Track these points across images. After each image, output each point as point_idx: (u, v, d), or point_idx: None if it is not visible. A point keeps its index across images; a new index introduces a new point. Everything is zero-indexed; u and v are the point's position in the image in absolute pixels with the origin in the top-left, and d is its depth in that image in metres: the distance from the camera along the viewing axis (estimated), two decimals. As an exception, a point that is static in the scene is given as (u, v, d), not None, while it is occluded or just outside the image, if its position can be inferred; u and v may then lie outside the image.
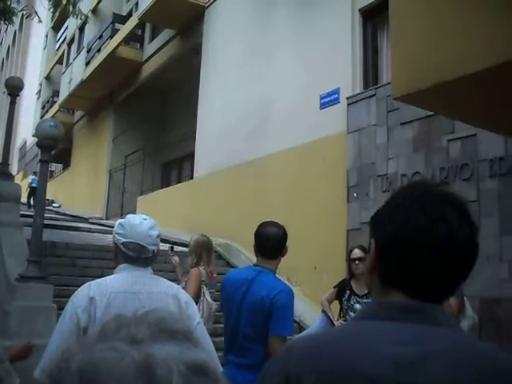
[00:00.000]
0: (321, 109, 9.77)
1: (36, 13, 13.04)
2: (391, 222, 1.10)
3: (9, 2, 14.64)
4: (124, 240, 2.59)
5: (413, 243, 1.06)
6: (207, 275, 5.22)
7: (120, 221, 2.74)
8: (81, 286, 2.55)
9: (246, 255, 10.29)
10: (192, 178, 14.57)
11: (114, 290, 2.48)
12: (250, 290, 3.31)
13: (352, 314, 5.19)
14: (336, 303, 5.53)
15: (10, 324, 6.06)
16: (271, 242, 3.42)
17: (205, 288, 5.13)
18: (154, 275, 2.68)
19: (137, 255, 2.57)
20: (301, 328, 8.15)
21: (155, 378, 0.60)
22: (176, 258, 5.64)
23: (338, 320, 5.37)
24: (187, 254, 5.54)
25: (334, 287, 5.64)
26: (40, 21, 13.88)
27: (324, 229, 9.05)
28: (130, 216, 2.75)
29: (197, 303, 4.78)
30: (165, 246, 10.86)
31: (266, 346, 3.17)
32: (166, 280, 2.73)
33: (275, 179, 10.55)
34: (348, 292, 5.33)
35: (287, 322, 3.26)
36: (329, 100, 9.65)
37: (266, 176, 10.82)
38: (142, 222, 2.64)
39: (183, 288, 4.99)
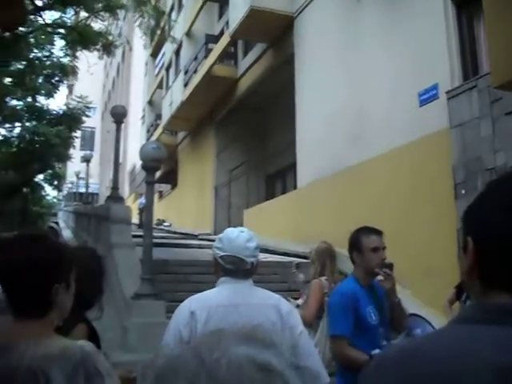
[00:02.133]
0: (420, 106, 9.49)
1: (128, 43, 13.80)
2: (494, 219, 1.01)
3: (111, 37, 15.56)
4: (222, 254, 2.63)
5: None
6: (330, 286, 4.76)
7: (219, 235, 2.79)
8: (189, 301, 2.62)
9: (353, 262, 10.15)
10: (296, 187, 14.58)
11: (213, 303, 2.52)
12: None
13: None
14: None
15: (129, 339, 6.34)
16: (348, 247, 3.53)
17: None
18: (255, 286, 2.69)
19: (235, 268, 2.60)
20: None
21: (204, 365, 0.70)
22: (301, 276, 5.39)
23: None
24: (303, 264, 5.28)
25: (455, 287, 5.41)
26: (130, 49, 14.69)
27: (433, 229, 8.75)
28: (228, 230, 2.79)
29: (321, 318, 4.66)
30: (272, 257, 10.93)
31: None
32: (266, 291, 2.73)
33: (379, 182, 10.34)
34: (465, 293, 5.10)
35: (334, 320, 3.34)
36: (428, 96, 9.36)
37: (370, 179, 10.63)
38: (239, 235, 2.67)
39: (304, 302, 4.92)
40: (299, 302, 5.04)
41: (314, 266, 5.03)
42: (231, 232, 2.72)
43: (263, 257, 10.57)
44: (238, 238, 2.65)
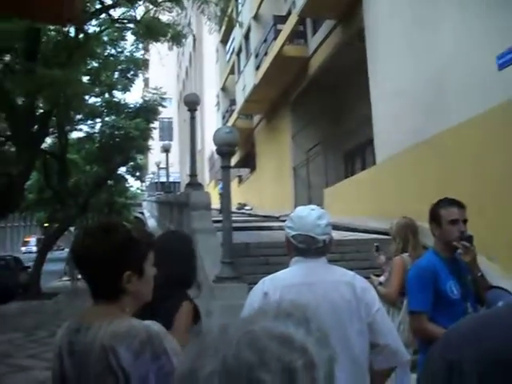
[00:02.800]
0: (499, 70, 9.03)
1: (192, 32, 13.96)
2: None
3: (179, 27, 15.79)
4: (293, 233, 2.59)
5: None
6: (413, 262, 4.42)
7: (290, 214, 2.75)
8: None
9: (437, 236, 9.83)
10: (375, 163, 14.29)
11: (286, 283, 2.50)
12: None
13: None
14: None
15: (212, 323, 6.45)
16: None
17: None
18: (328, 264, 2.64)
19: (307, 246, 2.55)
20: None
21: (227, 336, 0.76)
22: (382, 258, 5.17)
23: None
24: (385, 242, 5.13)
25: None
26: (195, 38, 14.91)
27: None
28: (298, 208, 2.75)
29: (404, 295, 4.39)
30: (353, 235, 10.79)
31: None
32: (340, 268, 2.68)
33: (461, 152, 9.93)
34: None
35: (412, 296, 3.28)
36: (507, 59, 8.89)
37: (450, 150, 10.23)
38: (309, 213, 2.61)
39: (386, 280, 4.80)
40: (381, 279, 4.93)
41: (395, 242, 4.88)
42: (301, 210, 2.67)
43: (344, 235, 10.46)
44: (309, 215, 2.59)
